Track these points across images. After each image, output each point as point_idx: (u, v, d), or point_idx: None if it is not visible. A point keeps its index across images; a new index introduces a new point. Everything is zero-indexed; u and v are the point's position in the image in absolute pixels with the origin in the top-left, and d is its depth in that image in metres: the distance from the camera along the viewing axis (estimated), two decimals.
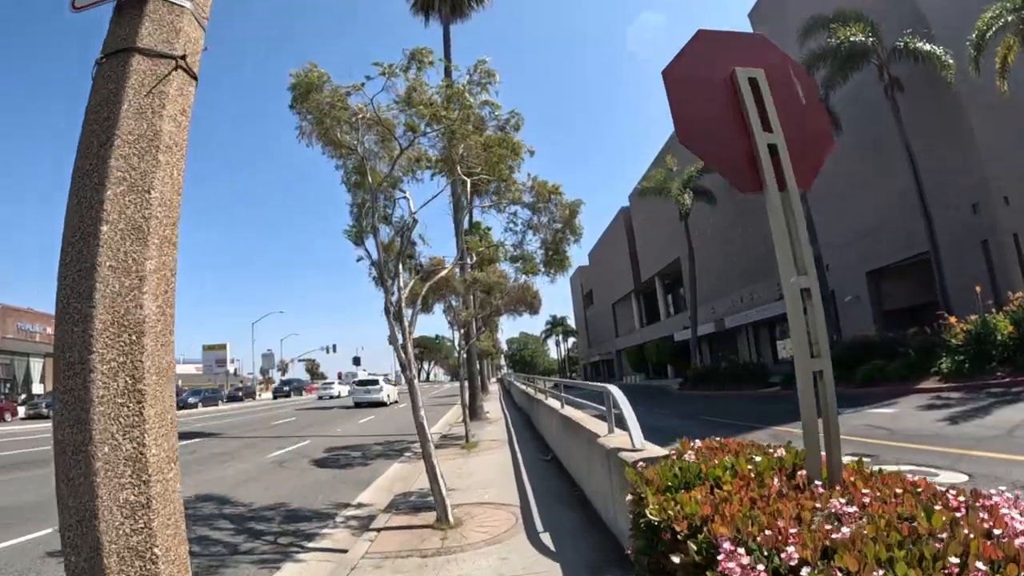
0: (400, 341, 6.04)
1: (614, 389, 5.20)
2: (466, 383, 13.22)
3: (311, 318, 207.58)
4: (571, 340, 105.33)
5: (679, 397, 26.86)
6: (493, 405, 24.93)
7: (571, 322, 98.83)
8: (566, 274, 10.19)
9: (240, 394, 58.57)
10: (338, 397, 48.04)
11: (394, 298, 6.14)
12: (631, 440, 4.27)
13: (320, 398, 47.58)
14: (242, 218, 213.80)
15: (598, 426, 6.24)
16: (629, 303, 63.70)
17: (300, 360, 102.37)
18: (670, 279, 53.13)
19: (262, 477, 10.22)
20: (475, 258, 11.00)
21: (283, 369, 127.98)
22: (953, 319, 16.58)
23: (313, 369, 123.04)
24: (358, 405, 31.66)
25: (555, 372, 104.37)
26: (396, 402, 33.15)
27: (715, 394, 25.67)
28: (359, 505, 7.59)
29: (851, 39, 20.87)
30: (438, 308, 12.39)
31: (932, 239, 19.98)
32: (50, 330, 51.95)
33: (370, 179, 6.15)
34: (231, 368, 79.28)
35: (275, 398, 59.20)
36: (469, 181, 6.68)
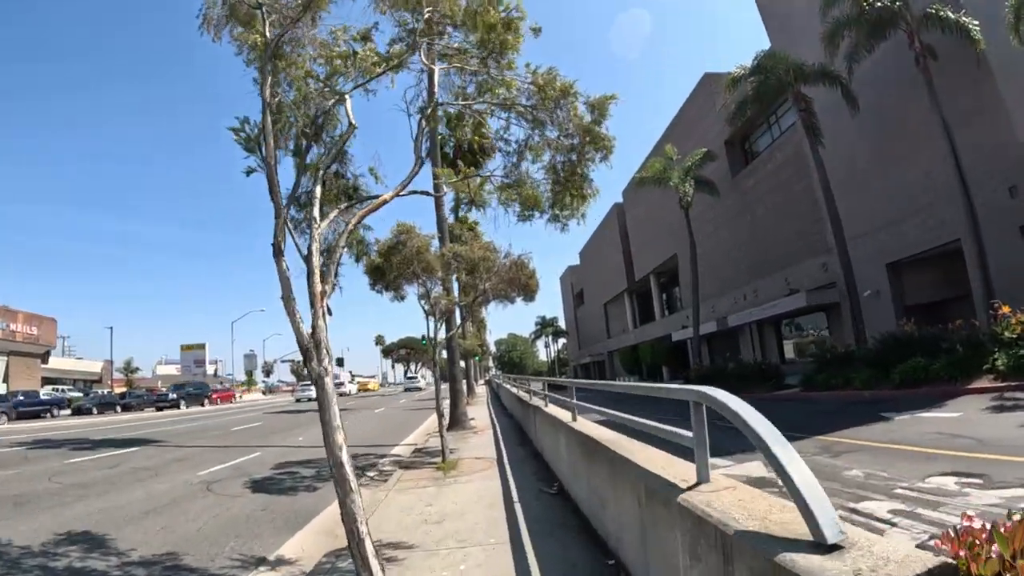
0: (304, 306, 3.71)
1: (723, 396, 2.69)
2: (444, 386, 10.92)
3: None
4: (561, 341, 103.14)
5: (684, 401, 24.57)
6: (480, 411, 22.53)
7: (561, 323, 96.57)
8: (583, 220, 7.45)
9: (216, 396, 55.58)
10: (315, 399, 45.43)
11: (305, 237, 3.83)
12: (806, 515, 1.82)
13: (298, 400, 44.89)
14: (224, 212, 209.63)
15: (667, 464, 3.72)
16: (622, 303, 61.60)
17: (284, 361, 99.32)
18: (666, 277, 51.07)
19: (173, 507, 7.81)
20: (452, 193, 8.76)
21: (268, 371, 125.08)
22: (1006, 308, 14.49)
23: (299, 371, 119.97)
24: (298, 400, 35.76)
25: (544, 374, 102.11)
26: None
27: None
28: (277, 563, 5.23)
29: (878, 3, 18.82)
30: (412, 296, 10.10)
31: (973, 222, 17.89)
32: (14, 326, 48.73)
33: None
34: (211, 369, 76.32)
35: (159, 409, 41.77)
36: (437, 69, 4.37)
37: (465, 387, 32.79)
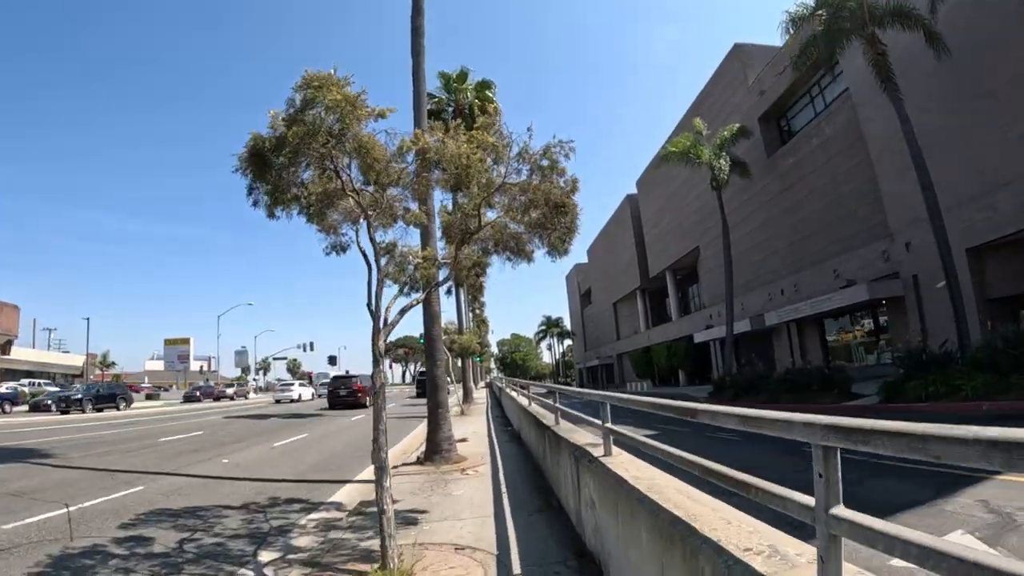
0: None
1: None
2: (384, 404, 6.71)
3: (287, 312, 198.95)
4: (566, 343, 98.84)
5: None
6: (476, 425, 18.27)
7: (567, 324, 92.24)
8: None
9: (198, 394, 51.30)
10: (298, 400, 41.35)
11: None
12: None
13: (278, 401, 40.71)
14: (212, 206, 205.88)
15: None
16: (633, 302, 57.38)
17: (276, 359, 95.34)
18: (684, 273, 46.85)
19: None
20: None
21: (264, 368, 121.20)
22: None
23: (294, 368, 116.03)
24: (278, 402, 36.77)
25: (547, 376, 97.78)
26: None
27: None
28: None
29: None
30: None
31: None
32: None
33: None
34: (196, 365, 72.32)
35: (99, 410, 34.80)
36: None
37: (458, 396, 28.27)
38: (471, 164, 4.65)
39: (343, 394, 30.11)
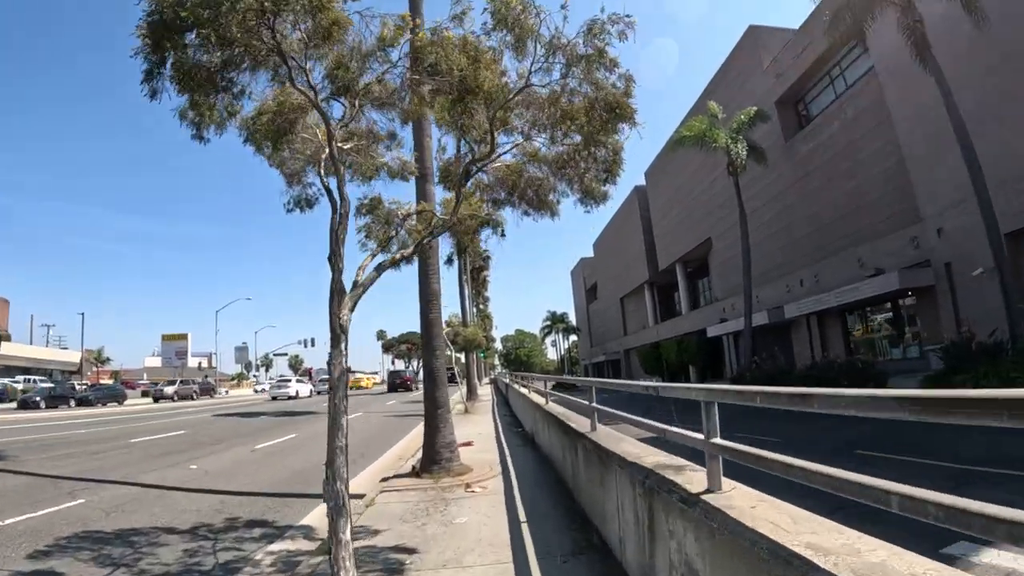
0: None
1: None
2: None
3: (286, 308, 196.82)
4: (571, 339, 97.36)
5: (753, 412, 18.87)
6: (482, 425, 16.88)
7: (572, 319, 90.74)
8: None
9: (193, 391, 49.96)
10: (296, 397, 40.06)
11: None
12: None
13: (274, 398, 39.38)
14: (210, 201, 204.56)
15: None
16: (641, 296, 55.87)
17: (277, 355, 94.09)
18: (694, 266, 45.33)
19: None
20: None
21: (266, 364, 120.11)
22: None
23: (296, 364, 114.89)
24: (275, 399, 37.82)
25: (552, 373, 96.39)
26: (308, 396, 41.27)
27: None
28: None
29: None
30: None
31: None
32: None
33: None
34: (194, 362, 71.18)
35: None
36: None
37: (462, 392, 26.86)
38: (479, 59, 3.23)
39: (397, 383, 45.25)
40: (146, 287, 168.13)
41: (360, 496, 7.17)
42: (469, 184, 4.76)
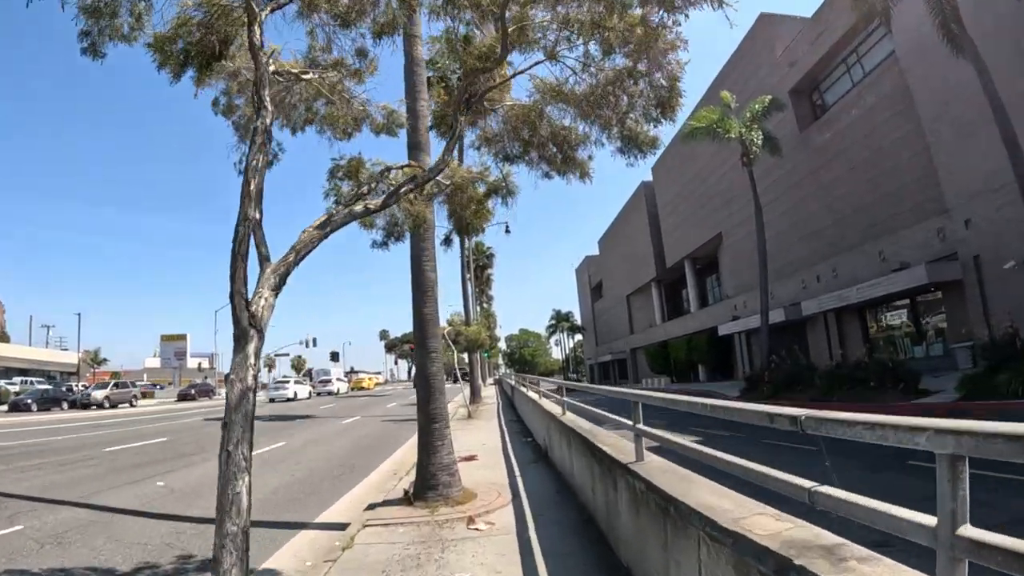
0: None
1: None
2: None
3: (287, 307, 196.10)
4: (576, 337, 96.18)
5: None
6: (486, 433, 15.75)
7: (577, 319, 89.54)
8: None
9: (193, 392, 49.19)
10: (294, 399, 39.07)
11: None
12: None
13: (272, 400, 38.37)
14: (211, 197, 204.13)
15: None
16: (648, 294, 54.72)
17: (278, 355, 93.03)
18: (704, 262, 44.16)
19: None
20: None
21: (269, 365, 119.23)
22: None
23: (299, 365, 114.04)
24: (272, 401, 36.27)
25: (555, 373, 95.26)
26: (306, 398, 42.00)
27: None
28: None
29: None
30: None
31: None
32: None
33: None
34: (193, 363, 70.27)
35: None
36: None
37: (464, 395, 25.69)
38: None
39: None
40: (146, 287, 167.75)
41: (342, 527, 6.10)
42: (474, 135, 3.70)
